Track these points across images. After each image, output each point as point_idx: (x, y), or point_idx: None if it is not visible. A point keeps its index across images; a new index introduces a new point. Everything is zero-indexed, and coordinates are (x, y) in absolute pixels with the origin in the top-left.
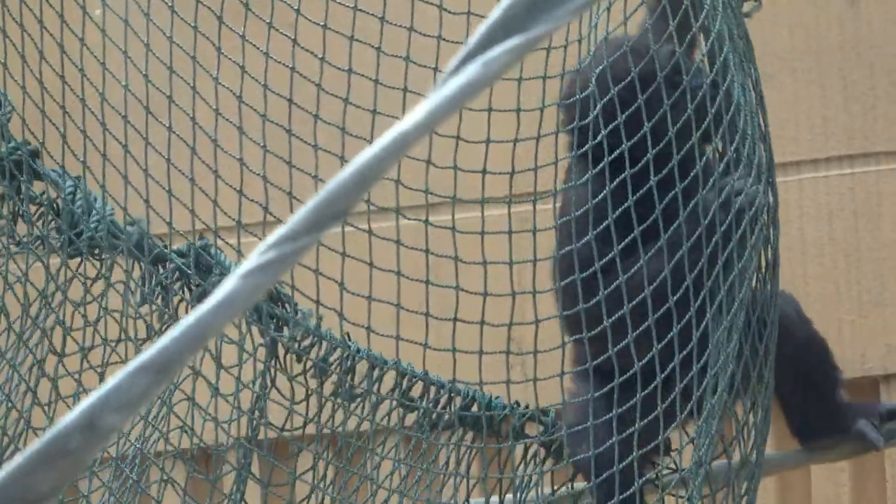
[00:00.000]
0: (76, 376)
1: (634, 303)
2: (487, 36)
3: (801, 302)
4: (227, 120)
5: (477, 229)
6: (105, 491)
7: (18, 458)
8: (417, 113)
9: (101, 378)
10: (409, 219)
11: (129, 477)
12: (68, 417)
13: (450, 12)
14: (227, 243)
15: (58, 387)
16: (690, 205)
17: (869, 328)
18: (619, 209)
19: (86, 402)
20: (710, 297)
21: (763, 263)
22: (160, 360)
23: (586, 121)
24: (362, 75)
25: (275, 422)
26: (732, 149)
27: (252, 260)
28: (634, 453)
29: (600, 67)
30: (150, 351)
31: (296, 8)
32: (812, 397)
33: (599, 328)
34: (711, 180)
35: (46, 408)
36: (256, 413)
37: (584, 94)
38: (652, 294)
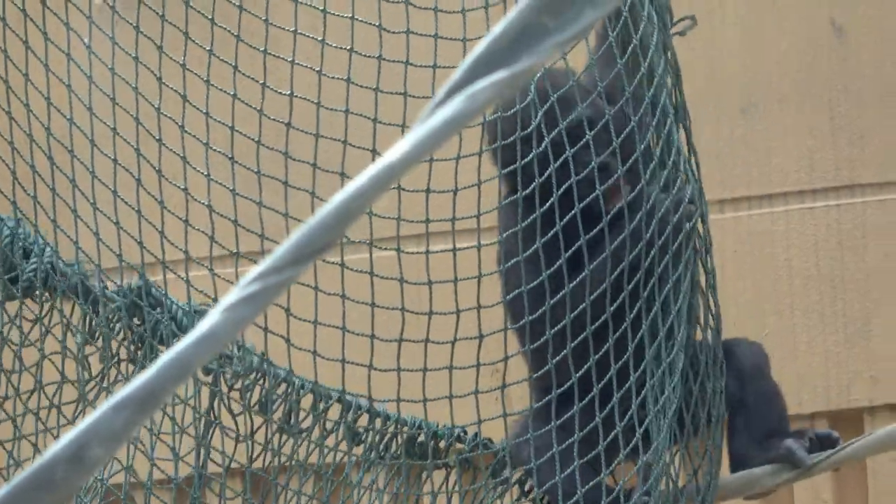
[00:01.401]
0: (19, 418)
1: (571, 319)
2: (472, 69)
3: (786, 332)
4: (171, 150)
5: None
6: None
7: (3, 490)
8: (403, 146)
9: (62, 417)
10: (351, 241)
11: None
12: (54, 449)
13: (417, 34)
14: (177, 275)
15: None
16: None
17: (854, 359)
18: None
19: (72, 433)
20: (644, 311)
21: (703, 282)
22: (143, 394)
23: (518, 161)
24: (333, 109)
25: (219, 459)
26: (670, 161)
27: (234, 293)
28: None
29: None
30: (133, 384)
31: (263, 50)
32: (756, 439)
33: (560, 357)
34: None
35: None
36: (202, 451)
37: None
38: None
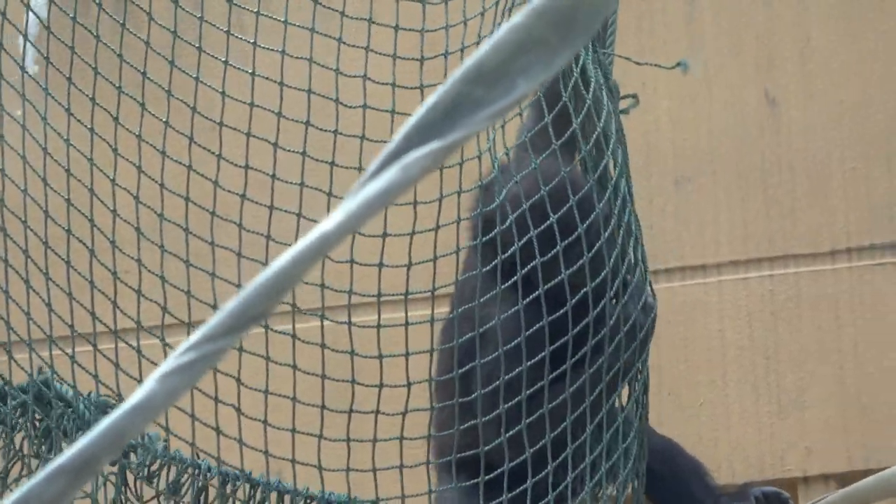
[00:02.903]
0: None
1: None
2: (406, 139)
3: (720, 403)
4: (124, 220)
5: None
6: None
7: None
8: (337, 215)
9: None
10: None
11: None
12: None
13: (374, 81)
14: (104, 356)
15: None
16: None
17: (788, 430)
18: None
19: (5, 503)
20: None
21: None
22: (77, 463)
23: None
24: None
25: None
26: (631, 250)
27: (170, 362)
28: None
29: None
30: (67, 453)
31: (219, 122)
32: (683, 493)
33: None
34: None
35: None
36: None
37: (488, 209)
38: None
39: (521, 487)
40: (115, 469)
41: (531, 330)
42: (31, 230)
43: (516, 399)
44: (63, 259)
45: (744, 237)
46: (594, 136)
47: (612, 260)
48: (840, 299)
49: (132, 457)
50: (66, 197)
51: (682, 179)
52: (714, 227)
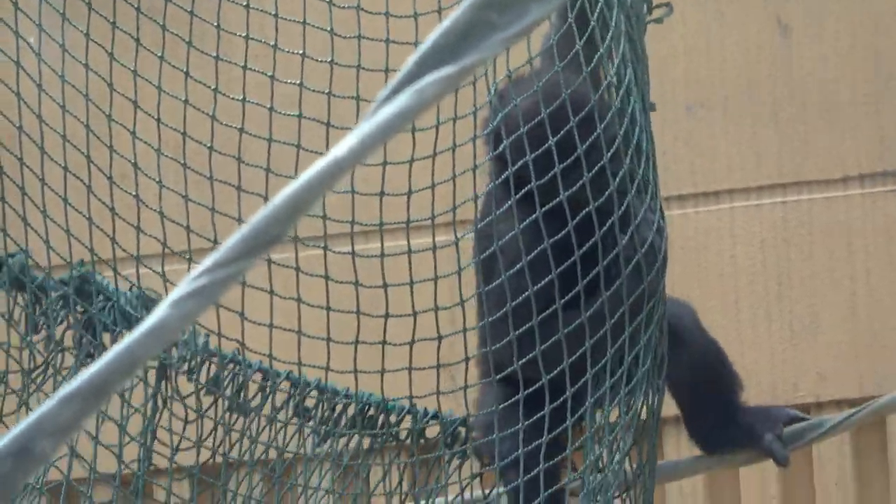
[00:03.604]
0: None
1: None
2: (419, 65)
3: (732, 329)
4: (121, 156)
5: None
6: None
7: None
8: (350, 141)
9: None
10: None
11: None
12: (0, 443)
13: (368, 38)
14: (153, 270)
15: None
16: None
17: (800, 356)
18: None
19: (18, 428)
20: (629, 321)
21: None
22: (90, 388)
23: (503, 148)
24: (286, 114)
25: (166, 448)
26: (640, 171)
27: (182, 287)
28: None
29: (522, 98)
30: (80, 378)
31: (215, 56)
32: (713, 406)
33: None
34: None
35: None
36: (149, 437)
37: (505, 127)
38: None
39: (560, 400)
40: (154, 364)
41: (544, 245)
42: (51, 158)
43: (540, 317)
44: (84, 183)
45: (756, 164)
46: (597, 55)
47: (616, 179)
48: (852, 226)
49: (172, 352)
50: (86, 123)
51: (694, 107)
52: (726, 154)
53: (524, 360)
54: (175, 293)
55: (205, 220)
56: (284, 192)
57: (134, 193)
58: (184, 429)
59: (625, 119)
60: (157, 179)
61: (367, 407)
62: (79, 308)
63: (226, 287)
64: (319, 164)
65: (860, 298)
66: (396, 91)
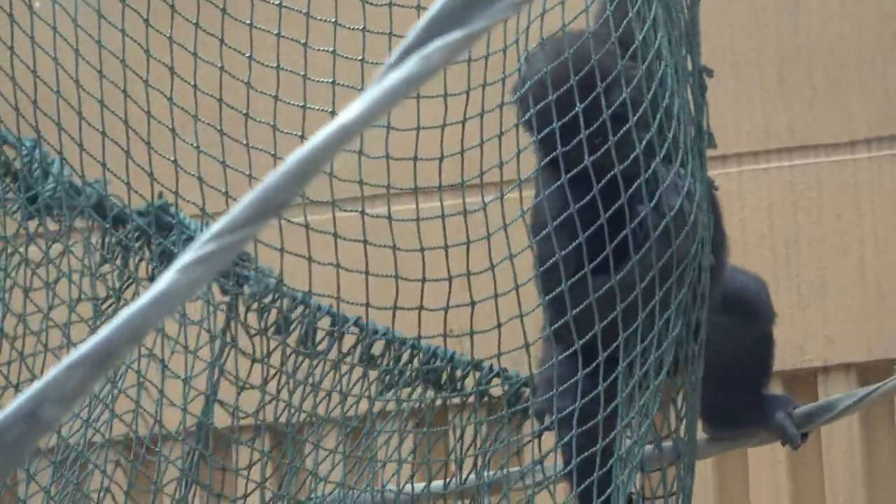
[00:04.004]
0: (39, 338)
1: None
2: (426, 30)
3: None
4: (135, 103)
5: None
6: (44, 497)
7: None
8: (357, 106)
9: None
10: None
11: (69, 481)
12: (8, 409)
13: (372, 4)
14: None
15: (22, 347)
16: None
17: (808, 319)
18: (576, 204)
19: (25, 393)
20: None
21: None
22: (98, 354)
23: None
24: (291, 71)
25: (232, 393)
26: (670, 136)
27: (190, 253)
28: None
29: (549, 65)
30: (87, 344)
31: (221, 8)
32: (741, 390)
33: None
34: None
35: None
36: (217, 371)
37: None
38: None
39: (602, 360)
40: (226, 298)
41: (570, 210)
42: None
43: (569, 282)
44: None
45: (764, 128)
46: (626, 19)
47: (643, 143)
48: (860, 189)
49: (245, 288)
50: (99, 69)
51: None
52: (734, 118)
53: (559, 323)
54: (183, 259)
55: (217, 181)
56: (291, 159)
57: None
58: (250, 369)
59: (653, 83)
60: (195, 144)
61: (433, 359)
62: (155, 240)
63: (234, 252)
64: (326, 130)
65: (868, 262)
66: (403, 57)
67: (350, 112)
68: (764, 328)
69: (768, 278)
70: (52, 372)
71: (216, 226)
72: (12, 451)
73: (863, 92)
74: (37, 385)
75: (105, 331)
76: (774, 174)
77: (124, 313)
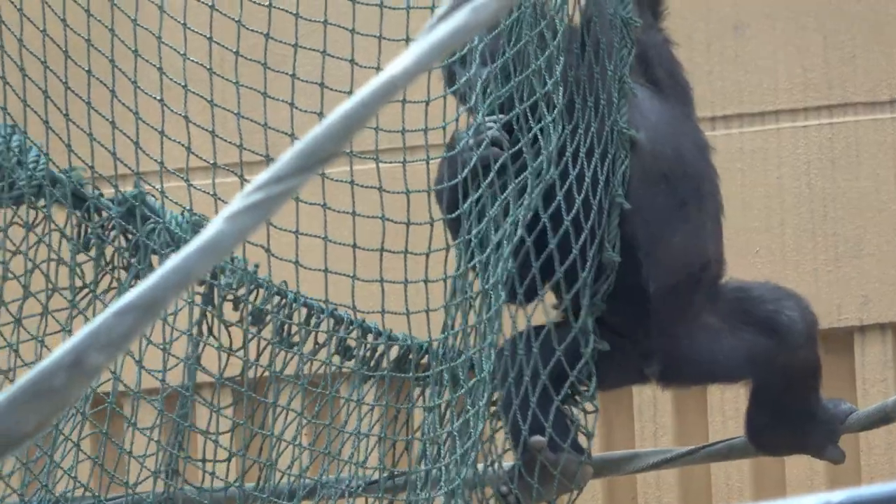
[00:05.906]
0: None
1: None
2: None
3: (777, 250)
4: (147, 62)
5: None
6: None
7: (2, 396)
8: (406, 58)
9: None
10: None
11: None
12: (54, 355)
13: None
14: (153, 187)
15: None
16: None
17: (845, 279)
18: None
19: (72, 340)
20: None
21: None
22: (146, 300)
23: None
24: (339, 26)
25: (210, 370)
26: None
27: (237, 202)
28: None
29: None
30: (135, 290)
31: None
32: (778, 411)
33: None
34: None
35: None
36: (192, 360)
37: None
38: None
39: None
40: (202, 290)
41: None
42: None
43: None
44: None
45: (802, 84)
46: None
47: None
48: None
49: (221, 278)
50: (87, 38)
51: (740, 25)
52: (772, 75)
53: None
54: (229, 208)
55: (258, 137)
56: (339, 110)
57: (184, 114)
58: (227, 359)
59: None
60: (210, 98)
61: (406, 350)
62: (130, 228)
63: (280, 203)
64: (375, 82)
65: None
66: (454, 8)
67: (398, 65)
68: (792, 359)
69: (804, 236)
70: (98, 318)
71: (261, 176)
72: (59, 396)
73: None
74: (83, 331)
75: (152, 278)
76: (813, 132)
77: (171, 261)
